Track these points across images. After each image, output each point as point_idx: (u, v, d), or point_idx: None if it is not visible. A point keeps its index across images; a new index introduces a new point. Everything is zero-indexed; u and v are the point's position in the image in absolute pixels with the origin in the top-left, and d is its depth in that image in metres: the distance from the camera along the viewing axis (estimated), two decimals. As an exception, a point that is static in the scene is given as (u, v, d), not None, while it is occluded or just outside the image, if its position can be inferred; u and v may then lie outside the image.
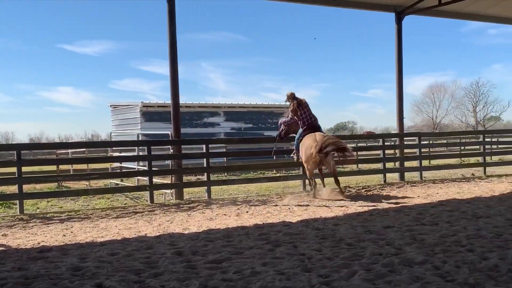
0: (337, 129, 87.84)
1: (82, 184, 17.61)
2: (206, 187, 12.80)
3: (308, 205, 10.78)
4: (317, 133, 11.68)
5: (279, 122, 13.18)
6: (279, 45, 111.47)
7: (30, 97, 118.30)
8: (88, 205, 12.51)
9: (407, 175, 16.05)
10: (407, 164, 16.16)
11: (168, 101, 14.29)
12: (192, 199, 12.76)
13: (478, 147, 19.93)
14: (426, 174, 16.80)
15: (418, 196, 11.82)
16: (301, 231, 7.69)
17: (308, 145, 11.45)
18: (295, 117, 12.25)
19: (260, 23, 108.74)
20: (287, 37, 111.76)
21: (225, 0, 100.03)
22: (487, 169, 17.25)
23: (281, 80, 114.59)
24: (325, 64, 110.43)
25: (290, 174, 17.28)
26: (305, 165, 11.80)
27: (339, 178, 11.92)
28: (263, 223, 8.63)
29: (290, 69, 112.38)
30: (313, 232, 7.55)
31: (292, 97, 12.27)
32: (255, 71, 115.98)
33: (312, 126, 12.02)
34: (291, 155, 13.18)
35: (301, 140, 11.94)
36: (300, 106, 12.09)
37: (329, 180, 12.59)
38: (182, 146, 13.52)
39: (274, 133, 24.80)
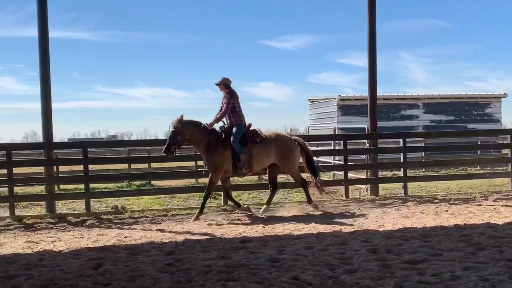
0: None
1: (281, 178, 18.28)
2: (402, 183, 12.48)
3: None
4: None
5: None
6: (486, 29, 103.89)
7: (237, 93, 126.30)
8: (286, 198, 12.99)
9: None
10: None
11: (365, 94, 14.19)
12: (388, 195, 12.53)
13: None
14: None
15: None
16: (508, 234, 7.12)
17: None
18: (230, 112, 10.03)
19: (465, 7, 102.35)
20: (495, 20, 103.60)
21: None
22: None
23: (489, 68, 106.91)
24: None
25: (496, 171, 16.03)
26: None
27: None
28: (464, 224, 8.17)
29: (499, 55, 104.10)
30: (522, 236, 6.95)
31: (227, 84, 10.13)
32: (459, 59, 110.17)
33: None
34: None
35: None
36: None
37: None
38: (378, 140, 13.34)
39: (479, 126, 23.21)
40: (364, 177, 13.22)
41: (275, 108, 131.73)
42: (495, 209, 9.75)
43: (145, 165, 20.48)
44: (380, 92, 25.36)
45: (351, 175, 13.26)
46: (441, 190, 13.41)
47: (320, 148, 18.65)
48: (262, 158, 9.99)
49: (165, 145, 9.59)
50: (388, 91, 28.73)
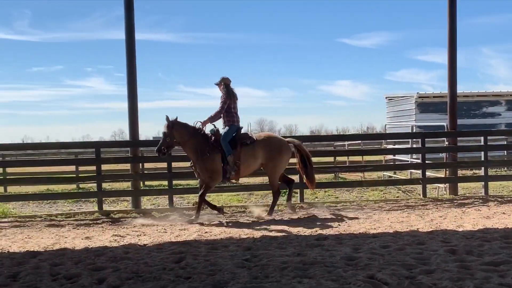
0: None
1: (356, 176, 18.11)
2: (483, 183, 12.02)
3: None
4: None
5: None
6: None
7: (312, 91, 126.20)
8: (361, 196, 12.83)
9: None
10: None
11: (444, 91, 13.81)
12: (467, 194, 12.11)
13: None
14: None
15: None
16: None
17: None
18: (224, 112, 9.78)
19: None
20: None
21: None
22: None
23: None
24: None
25: None
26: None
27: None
28: (549, 225, 7.76)
29: None
30: None
31: (227, 83, 9.91)
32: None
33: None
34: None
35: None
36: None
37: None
38: (458, 138, 12.91)
39: None
40: (443, 176, 12.83)
41: (351, 107, 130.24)
42: None
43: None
44: (460, 89, 24.47)
45: (429, 173, 12.91)
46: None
47: (397, 146, 18.29)
48: (249, 161, 9.59)
49: (157, 146, 9.48)
50: (469, 88, 27.63)
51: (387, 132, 21.80)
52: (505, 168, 17.91)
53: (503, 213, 9.24)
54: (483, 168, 12.21)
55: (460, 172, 15.04)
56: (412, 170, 14.79)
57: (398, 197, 12.35)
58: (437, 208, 10.10)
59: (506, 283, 4.82)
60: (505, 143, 18.59)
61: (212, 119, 9.65)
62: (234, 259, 6.11)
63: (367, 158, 20.36)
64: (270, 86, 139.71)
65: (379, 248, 6.48)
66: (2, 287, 5.26)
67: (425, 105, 24.39)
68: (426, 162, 12.10)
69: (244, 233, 8.04)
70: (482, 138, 12.26)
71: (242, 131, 9.81)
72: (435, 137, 15.27)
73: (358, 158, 20.69)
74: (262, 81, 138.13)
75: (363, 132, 70.79)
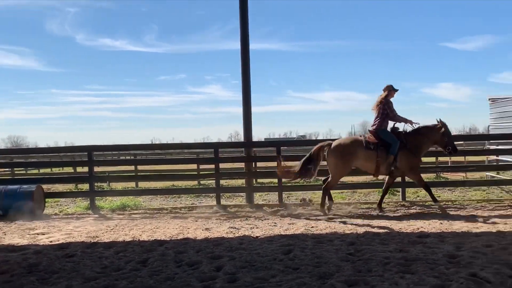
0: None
1: (459, 176, 17.20)
2: None
3: None
4: None
5: None
6: None
7: (415, 94, 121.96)
8: (464, 196, 12.16)
9: None
10: None
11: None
12: None
13: None
14: None
15: None
16: None
17: None
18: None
19: None
20: None
21: None
22: None
23: None
24: None
25: None
26: None
27: None
28: None
29: None
30: None
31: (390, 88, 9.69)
32: None
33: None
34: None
35: None
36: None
37: None
38: None
39: None
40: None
41: (454, 109, 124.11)
42: None
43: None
44: None
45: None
46: None
47: (500, 147, 17.13)
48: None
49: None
50: None
51: (490, 133, 20.47)
52: None
53: None
54: None
55: None
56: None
57: (501, 197, 11.56)
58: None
59: None
60: None
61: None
62: (339, 253, 6.04)
63: (470, 158, 19.32)
64: (374, 89, 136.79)
65: (481, 247, 6.12)
66: (134, 271, 5.58)
67: (530, 106, 22.63)
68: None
69: (348, 228, 7.92)
70: None
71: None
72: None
73: (460, 158, 19.69)
74: (366, 85, 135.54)
75: (465, 133, 66.99)
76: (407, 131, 9.51)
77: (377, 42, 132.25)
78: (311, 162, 9.66)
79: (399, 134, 9.45)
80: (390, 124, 9.60)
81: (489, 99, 26.91)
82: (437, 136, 9.42)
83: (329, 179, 9.65)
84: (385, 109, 9.43)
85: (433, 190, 12.74)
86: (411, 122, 9.49)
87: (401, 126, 9.57)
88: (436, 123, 9.45)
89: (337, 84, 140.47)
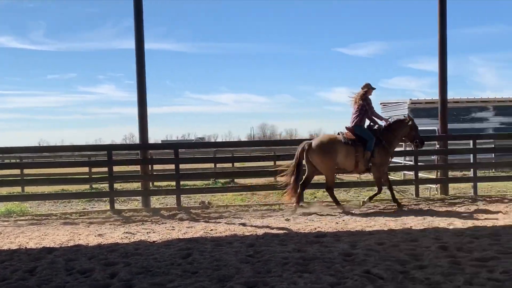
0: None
1: (353, 177, 18.06)
2: (472, 183, 11.99)
3: None
4: None
5: None
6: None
7: (311, 97, 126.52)
8: (358, 196, 12.80)
9: None
10: None
11: (436, 97, 13.75)
12: (457, 194, 12.07)
13: None
14: None
15: None
16: None
17: None
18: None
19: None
20: None
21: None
22: None
23: None
24: None
25: None
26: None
27: None
28: (535, 223, 7.73)
29: None
30: None
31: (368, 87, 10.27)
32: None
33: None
34: None
35: None
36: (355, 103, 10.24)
37: None
38: (449, 142, 12.87)
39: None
40: (434, 177, 12.80)
41: (349, 112, 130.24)
42: None
43: (229, 165, 20.75)
44: (451, 95, 24.34)
45: (421, 175, 12.89)
46: (511, 190, 12.74)
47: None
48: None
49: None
50: (458, 95, 27.67)
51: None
52: (493, 169, 17.87)
53: (491, 212, 9.20)
54: (472, 169, 12.18)
55: (451, 174, 14.97)
56: (406, 172, 14.78)
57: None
58: (429, 207, 10.07)
59: (495, 277, 4.80)
60: (493, 146, 18.53)
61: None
62: (238, 255, 6.10)
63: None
64: (272, 92, 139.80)
65: (374, 245, 6.47)
66: (20, 281, 5.26)
67: (418, 110, 24.36)
68: (419, 164, 12.08)
69: (247, 230, 8.02)
70: (471, 142, 12.23)
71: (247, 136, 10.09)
72: (427, 141, 15.21)
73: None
74: (264, 87, 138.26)
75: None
76: (382, 128, 10.12)
77: (275, 45, 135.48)
78: (300, 165, 9.89)
79: (375, 131, 9.99)
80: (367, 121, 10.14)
81: (381, 103, 28.67)
82: (406, 130, 10.20)
83: (326, 179, 10.13)
84: (364, 106, 9.92)
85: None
86: (386, 120, 10.26)
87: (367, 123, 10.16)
88: (403, 118, 10.32)
89: (235, 86, 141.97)
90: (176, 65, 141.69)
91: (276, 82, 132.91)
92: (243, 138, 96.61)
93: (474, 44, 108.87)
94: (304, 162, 9.97)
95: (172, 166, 11.54)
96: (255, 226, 8.43)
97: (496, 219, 8.41)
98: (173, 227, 8.63)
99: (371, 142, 9.81)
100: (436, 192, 12.35)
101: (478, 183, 12.07)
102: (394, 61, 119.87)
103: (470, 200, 10.84)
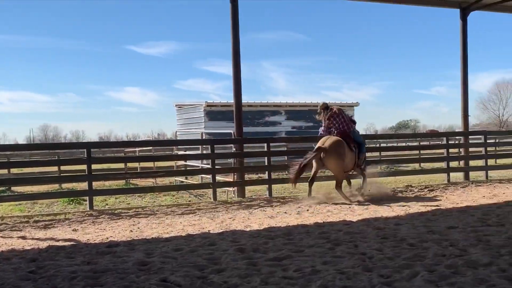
0: (399, 127, 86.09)
1: (148, 182, 18.05)
2: (267, 185, 12.87)
3: (369, 204, 10.64)
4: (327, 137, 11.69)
5: (319, 132, 12.46)
6: (340, 43, 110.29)
7: (99, 97, 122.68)
8: (154, 201, 12.83)
9: (472, 174, 15.60)
10: (472, 163, 15.68)
11: (231, 100, 14.44)
12: (254, 197, 12.85)
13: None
14: (492, 174, 16.25)
15: (484, 196, 11.44)
16: (362, 230, 7.60)
17: None
18: (329, 126, 12.03)
19: (320, 22, 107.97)
20: (348, 35, 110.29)
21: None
22: (558, 168, 16.48)
23: (342, 79, 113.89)
24: (387, 62, 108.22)
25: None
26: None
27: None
28: (323, 222, 8.58)
29: (351, 67, 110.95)
30: (374, 231, 7.45)
31: (324, 107, 12.03)
32: (316, 70, 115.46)
33: (343, 132, 11.79)
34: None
35: None
36: (331, 116, 11.86)
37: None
38: (244, 145, 13.63)
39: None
40: (232, 180, 13.44)
41: (142, 113, 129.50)
42: (350, 207, 10.36)
43: (5, 171, 19.15)
44: (245, 99, 25.83)
45: (218, 178, 13.42)
46: (303, 191, 13.95)
47: (188, 152, 18.66)
48: None
49: None
50: (253, 99, 29.70)
51: (178, 138, 22.14)
52: (286, 171, 19.37)
53: (285, 212, 9.97)
54: (267, 172, 13.06)
55: (247, 176, 15.86)
56: (203, 175, 15.24)
57: (190, 201, 12.59)
58: (226, 210, 10.52)
59: (289, 275, 5.19)
60: (286, 149, 20.15)
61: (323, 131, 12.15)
62: (18, 272, 5.63)
63: (159, 164, 20.48)
64: (55, 91, 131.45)
65: (172, 252, 6.52)
66: None
67: (213, 113, 25.36)
68: (216, 167, 12.56)
69: (28, 244, 7.47)
70: (265, 145, 13.12)
71: None
72: (223, 144, 15.96)
73: (150, 164, 20.70)
74: (46, 85, 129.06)
75: (154, 139, 70.91)
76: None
77: (57, 40, 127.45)
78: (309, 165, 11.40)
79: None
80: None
81: (176, 105, 29.18)
82: None
83: (336, 178, 11.50)
84: (342, 117, 11.84)
85: (123, 197, 13.12)
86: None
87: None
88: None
89: (10, 83, 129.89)
90: None
91: (60, 80, 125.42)
92: (21, 141, 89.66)
93: (266, 50, 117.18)
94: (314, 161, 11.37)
95: None
96: (37, 239, 7.89)
97: (290, 219, 9.14)
98: None
99: (364, 145, 12.12)
100: (234, 195, 12.98)
101: (272, 185, 12.99)
102: (189, 62, 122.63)
103: (265, 202, 11.62)
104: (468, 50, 15.69)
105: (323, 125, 12.13)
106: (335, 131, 11.82)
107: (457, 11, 15.60)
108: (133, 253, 6.54)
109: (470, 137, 16.68)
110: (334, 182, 11.50)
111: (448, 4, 15.59)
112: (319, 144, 11.41)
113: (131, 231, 8.39)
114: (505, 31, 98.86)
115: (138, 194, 13.69)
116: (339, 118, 11.92)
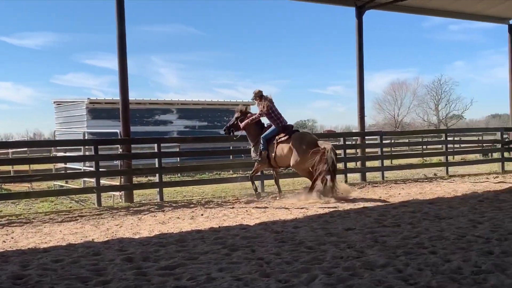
0: (297, 127, 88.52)
1: (23, 186, 17.20)
2: (158, 189, 12.72)
3: (266, 207, 10.83)
4: (322, 141, 12.16)
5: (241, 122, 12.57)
6: (235, 39, 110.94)
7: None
8: (30, 208, 12.25)
9: (369, 175, 16.34)
10: (368, 164, 16.45)
11: (117, 97, 14.17)
12: (143, 201, 12.65)
13: (440, 146, 20.28)
14: (388, 174, 17.15)
15: (380, 197, 12.04)
16: (259, 234, 7.70)
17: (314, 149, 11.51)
18: (266, 116, 12.20)
19: (215, 16, 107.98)
20: (243, 31, 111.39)
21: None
22: (450, 168, 17.72)
23: (237, 76, 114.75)
24: (284, 60, 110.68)
25: (247, 175, 17.27)
26: (297, 165, 11.86)
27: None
28: (219, 227, 8.61)
29: (247, 64, 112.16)
30: (272, 235, 7.57)
31: (260, 95, 12.23)
32: (210, 66, 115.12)
33: (287, 126, 12.15)
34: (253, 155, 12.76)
35: (284, 139, 11.98)
36: (272, 105, 12.13)
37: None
38: (132, 146, 13.37)
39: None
40: (118, 183, 13.14)
41: (15, 111, 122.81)
42: (247, 211, 10.49)
43: None
44: (133, 96, 25.56)
45: (103, 182, 13.06)
46: (197, 195, 13.97)
47: (68, 154, 18.00)
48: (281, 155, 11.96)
49: None
50: (141, 96, 29.20)
51: (57, 139, 21.26)
52: (179, 174, 19.29)
53: (178, 217, 9.92)
54: (157, 174, 12.89)
55: (136, 179, 15.59)
56: (86, 179, 14.77)
57: (71, 207, 12.16)
58: (113, 217, 10.27)
59: (182, 285, 5.15)
60: (178, 150, 20.04)
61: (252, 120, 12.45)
62: None
63: (35, 167, 19.62)
64: None
65: (51, 263, 6.25)
66: None
67: (97, 111, 24.66)
68: (100, 170, 12.21)
69: None
70: (155, 145, 12.93)
71: None
72: (108, 144, 15.57)
73: (24, 167, 19.77)
74: None
75: (30, 139, 67.65)
76: None
77: None
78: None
79: None
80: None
81: (54, 102, 28.05)
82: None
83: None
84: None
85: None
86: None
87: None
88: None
89: None
90: None
91: None
92: None
93: (155, 44, 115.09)
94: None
95: None
96: None
97: (183, 224, 9.08)
98: None
99: None
100: (121, 200, 12.69)
101: (164, 189, 12.85)
102: (68, 55, 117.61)
103: (156, 207, 11.47)
104: (364, 49, 16.46)
105: (261, 112, 12.20)
106: (281, 123, 12.12)
107: (352, 10, 16.31)
108: (6, 265, 6.20)
109: (366, 137, 17.52)
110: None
111: (343, 2, 16.26)
112: (321, 145, 11.56)
113: (4, 241, 7.99)
114: (399, 31, 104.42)
115: (12, 201, 13.00)
116: (276, 108, 12.21)
